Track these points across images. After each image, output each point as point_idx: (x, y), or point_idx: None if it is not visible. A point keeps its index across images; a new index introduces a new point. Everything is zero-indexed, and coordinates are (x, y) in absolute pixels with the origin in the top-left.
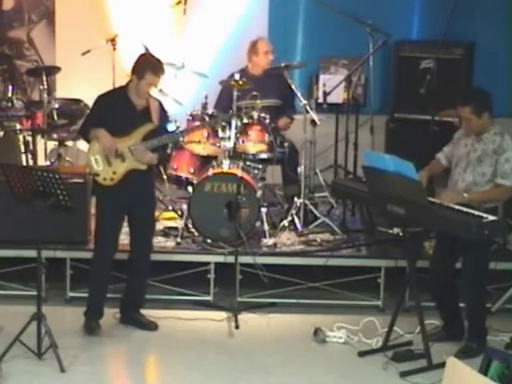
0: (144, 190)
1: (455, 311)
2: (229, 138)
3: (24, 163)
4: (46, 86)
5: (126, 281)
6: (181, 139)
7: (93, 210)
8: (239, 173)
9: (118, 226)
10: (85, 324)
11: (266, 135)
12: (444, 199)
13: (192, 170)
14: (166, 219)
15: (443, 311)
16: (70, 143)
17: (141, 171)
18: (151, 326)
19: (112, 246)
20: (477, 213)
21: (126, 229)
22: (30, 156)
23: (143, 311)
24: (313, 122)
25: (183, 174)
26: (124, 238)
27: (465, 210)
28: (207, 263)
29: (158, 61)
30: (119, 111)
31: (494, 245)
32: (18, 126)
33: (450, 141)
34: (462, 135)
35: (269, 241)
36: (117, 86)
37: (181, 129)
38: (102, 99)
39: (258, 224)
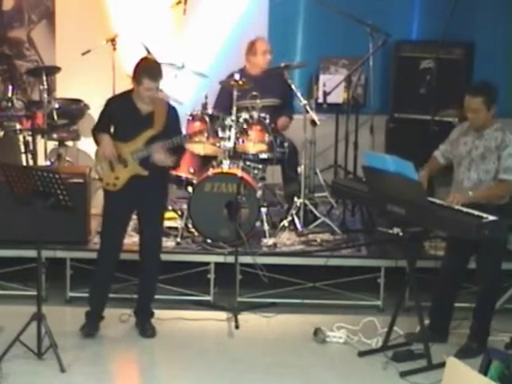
0: (150, 194)
1: (451, 313)
2: (229, 138)
3: (24, 163)
4: (46, 86)
5: (138, 284)
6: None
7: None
8: (239, 173)
9: (119, 229)
10: (83, 327)
11: (266, 135)
12: (451, 202)
13: (192, 170)
14: (166, 219)
15: (440, 312)
16: (69, 143)
17: (146, 177)
18: (148, 333)
19: (112, 248)
20: (477, 213)
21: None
22: (30, 156)
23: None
24: (313, 122)
25: (183, 174)
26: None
27: (465, 210)
28: (207, 263)
29: (156, 65)
30: (125, 116)
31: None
32: (18, 126)
33: (446, 139)
34: (460, 134)
35: (269, 241)
36: (116, 86)
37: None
38: (110, 103)
39: (258, 224)
